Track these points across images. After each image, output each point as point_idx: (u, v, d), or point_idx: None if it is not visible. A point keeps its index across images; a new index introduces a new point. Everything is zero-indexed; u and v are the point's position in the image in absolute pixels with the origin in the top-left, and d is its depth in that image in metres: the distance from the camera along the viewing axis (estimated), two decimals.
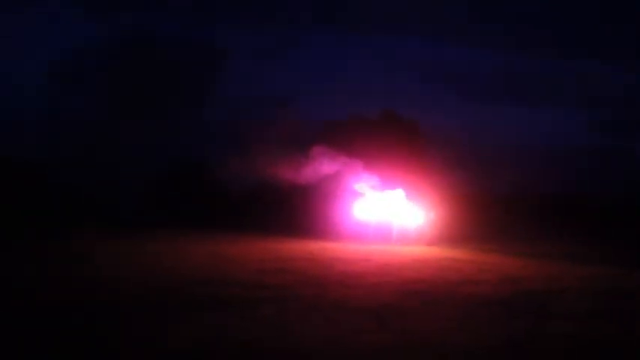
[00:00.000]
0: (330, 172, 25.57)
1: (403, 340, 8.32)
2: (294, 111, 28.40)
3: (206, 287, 11.76)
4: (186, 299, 10.57)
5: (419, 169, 29.59)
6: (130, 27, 31.55)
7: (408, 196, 24.30)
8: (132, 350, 7.52)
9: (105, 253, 16.36)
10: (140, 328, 8.53)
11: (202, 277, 13.06)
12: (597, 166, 45.96)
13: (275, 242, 21.22)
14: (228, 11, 64.60)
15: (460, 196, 32.18)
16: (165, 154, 29.69)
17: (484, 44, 78.83)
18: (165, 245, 18.96)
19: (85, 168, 27.71)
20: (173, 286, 11.76)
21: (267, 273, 13.94)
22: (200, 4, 55.91)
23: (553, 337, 8.81)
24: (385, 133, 30.14)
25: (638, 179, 41.74)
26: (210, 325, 8.81)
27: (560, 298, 11.93)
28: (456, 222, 25.43)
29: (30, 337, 7.85)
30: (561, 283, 13.90)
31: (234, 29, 59.45)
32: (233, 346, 7.79)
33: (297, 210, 27.23)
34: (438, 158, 32.65)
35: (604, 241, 26.46)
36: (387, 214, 23.82)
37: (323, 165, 25.35)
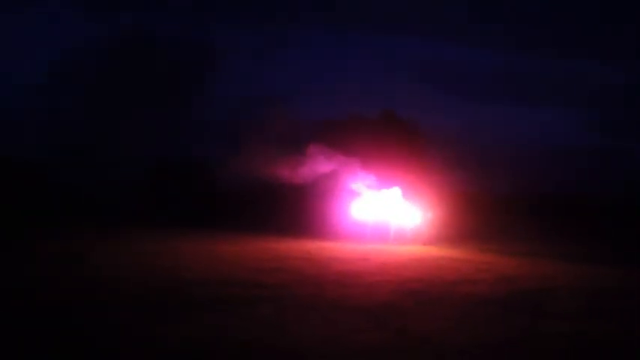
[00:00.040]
0: (327, 170, 25.63)
1: (400, 340, 8.42)
2: (291, 110, 28.45)
3: (205, 287, 11.83)
4: (185, 299, 10.63)
5: (417, 169, 29.67)
6: (128, 27, 31.48)
7: (406, 196, 24.38)
8: (132, 350, 7.59)
9: (105, 253, 16.39)
10: (140, 328, 8.59)
11: (201, 276, 13.11)
12: (596, 166, 46.05)
13: (272, 242, 21.28)
14: (228, 11, 64.60)
15: (458, 196, 32.27)
16: (164, 154, 29.73)
17: (484, 44, 78.90)
18: (164, 245, 18.99)
19: (84, 168, 27.72)
20: (173, 286, 11.81)
21: (265, 272, 14.00)
22: (199, 4, 55.86)
23: (549, 336, 8.91)
24: (383, 132, 30.20)
25: (636, 179, 41.82)
26: (209, 325, 8.89)
27: (556, 298, 12.05)
28: (454, 222, 25.53)
29: (30, 337, 7.90)
30: (557, 283, 14.02)
31: (233, 29, 59.49)
32: (232, 346, 7.87)
33: (295, 209, 27.31)
34: (437, 158, 32.71)
35: (600, 240, 26.57)
36: (384, 213, 23.89)
37: (319, 164, 25.41)
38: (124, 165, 28.43)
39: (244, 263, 15.55)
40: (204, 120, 28.73)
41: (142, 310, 9.69)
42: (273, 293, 11.44)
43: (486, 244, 22.87)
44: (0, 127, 28.32)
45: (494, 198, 39.20)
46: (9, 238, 19.44)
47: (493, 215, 33.06)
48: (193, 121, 29.02)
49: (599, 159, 47.60)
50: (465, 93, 73.25)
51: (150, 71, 29.34)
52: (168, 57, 30.37)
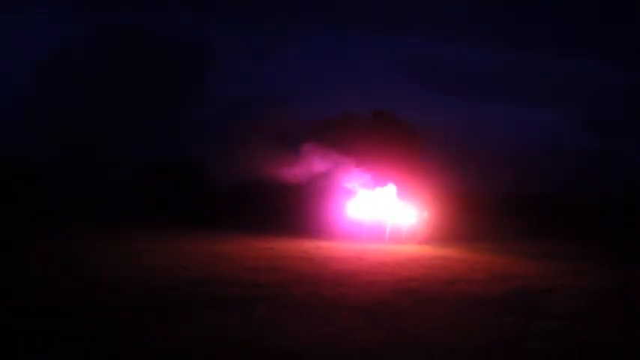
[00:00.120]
0: (323, 169, 25.73)
1: (396, 339, 8.55)
2: (291, 110, 28.56)
3: (205, 287, 11.93)
4: (185, 299, 10.73)
5: (412, 169, 29.82)
6: (128, 27, 31.54)
7: (401, 195, 24.48)
8: (132, 350, 7.69)
9: (105, 253, 16.47)
10: (140, 328, 8.68)
11: (201, 276, 13.20)
12: (595, 166, 46.06)
13: (269, 241, 21.37)
14: (228, 11, 64.59)
15: (454, 196, 32.41)
16: (164, 154, 29.83)
17: (484, 44, 78.94)
18: (164, 245, 19.07)
19: (84, 168, 27.81)
20: (172, 286, 11.89)
21: (263, 272, 14.11)
22: (199, 4, 55.88)
23: (542, 336, 9.03)
24: (379, 132, 30.34)
25: (635, 179, 41.88)
26: (209, 325, 8.99)
27: (550, 297, 12.17)
28: (449, 221, 25.63)
29: (30, 337, 7.98)
30: (551, 282, 14.12)
31: (233, 29, 59.52)
32: (232, 346, 7.97)
33: (291, 209, 27.46)
34: (434, 157, 32.84)
35: (599, 240, 26.65)
36: (380, 213, 24.00)
37: (315, 162, 25.51)
38: (124, 165, 28.51)
39: (243, 263, 15.64)
40: (204, 120, 28.82)
41: (142, 310, 9.77)
42: (272, 292, 11.54)
43: (479, 243, 22.98)
44: (0, 127, 28.39)
45: (493, 198, 39.29)
46: (9, 238, 19.48)
47: (491, 215, 33.16)
48: (193, 121, 29.10)
49: (598, 159, 47.63)
50: (465, 93, 73.31)
51: (150, 71, 29.42)
52: (169, 57, 30.45)
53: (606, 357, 8.27)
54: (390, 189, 24.47)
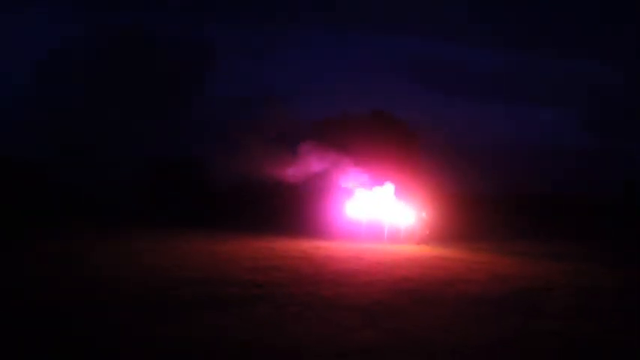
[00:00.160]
0: (321, 169, 25.75)
1: (394, 339, 8.60)
2: (291, 110, 28.58)
3: (204, 286, 11.99)
4: (185, 299, 10.79)
5: (411, 169, 29.87)
6: (128, 27, 31.58)
7: (400, 195, 24.51)
8: (132, 350, 7.74)
9: (105, 253, 16.52)
10: (140, 328, 8.74)
11: (201, 276, 13.26)
12: (595, 166, 46.09)
13: (268, 241, 21.43)
14: (228, 11, 64.63)
15: (453, 196, 32.44)
16: (164, 154, 29.86)
17: (484, 44, 78.98)
18: (164, 245, 19.13)
19: (84, 168, 27.84)
20: (172, 286, 11.95)
21: (262, 272, 14.17)
22: (199, 4, 55.93)
23: (541, 335, 9.08)
24: (378, 132, 30.39)
25: (635, 179, 41.91)
26: (209, 325, 9.05)
27: (549, 297, 12.21)
28: (448, 221, 25.67)
29: (30, 337, 8.03)
30: (551, 282, 14.17)
31: (233, 29, 59.57)
32: (232, 345, 8.03)
33: (290, 209, 27.50)
34: (432, 158, 32.87)
35: (598, 240, 26.66)
36: (378, 213, 24.04)
37: (313, 162, 25.54)
38: (124, 165, 28.53)
39: (242, 263, 15.69)
40: (204, 120, 28.85)
41: (142, 310, 9.83)
42: (271, 292, 11.61)
43: (478, 243, 23.01)
44: (0, 127, 28.42)
45: (492, 198, 39.31)
46: (9, 238, 19.53)
47: (491, 215, 33.19)
48: (193, 121, 29.12)
49: (598, 159, 47.67)
50: (465, 93, 73.40)
51: (150, 71, 29.43)
52: (169, 57, 30.46)
53: (606, 357, 8.31)
54: (388, 188, 24.49)
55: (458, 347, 8.23)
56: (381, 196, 24.42)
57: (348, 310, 10.29)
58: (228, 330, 8.76)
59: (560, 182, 42.36)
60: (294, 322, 9.33)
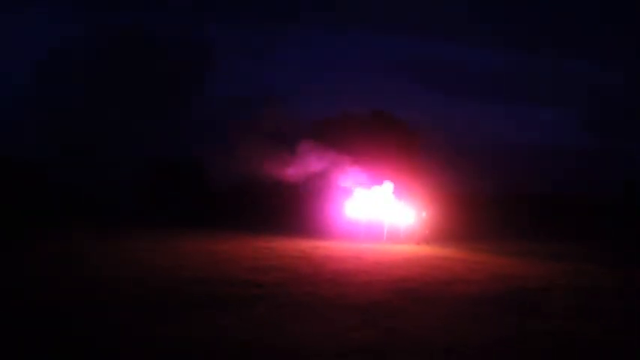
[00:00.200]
0: (319, 168, 25.77)
1: (393, 338, 8.62)
2: (290, 110, 28.60)
3: (204, 286, 12.00)
4: (185, 299, 10.81)
5: (411, 169, 29.88)
6: (128, 27, 31.59)
7: (399, 195, 24.52)
8: (132, 350, 7.75)
9: (105, 253, 16.53)
10: (140, 328, 8.75)
11: (200, 276, 13.28)
12: (595, 166, 46.09)
13: (268, 241, 21.46)
14: (228, 11, 64.64)
15: (453, 196, 32.42)
16: (164, 154, 29.88)
17: (484, 44, 79.02)
18: (164, 245, 19.14)
19: (84, 168, 27.86)
20: (172, 286, 11.98)
21: (261, 271, 14.19)
22: (199, 4, 55.90)
23: (539, 335, 9.09)
24: (378, 132, 30.41)
25: (635, 179, 41.91)
26: (209, 324, 9.06)
27: (547, 297, 12.22)
28: (447, 221, 25.69)
29: (30, 337, 8.04)
30: (550, 282, 14.18)
31: (233, 29, 59.60)
32: (232, 345, 8.04)
33: (290, 208, 27.53)
34: (432, 157, 32.89)
35: (598, 240, 26.69)
36: (377, 212, 24.06)
37: (311, 161, 25.55)
38: (124, 165, 28.55)
39: (242, 262, 15.72)
40: (204, 120, 28.86)
41: (142, 310, 9.84)
42: (270, 292, 11.63)
43: (478, 243, 23.04)
44: (0, 127, 28.44)
45: (492, 198, 39.29)
46: (9, 238, 19.54)
47: (490, 215, 33.20)
48: (193, 121, 29.13)
49: (598, 159, 47.67)
50: (465, 93, 73.40)
51: (150, 71, 29.44)
52: (169, 57, 30.47)
53: (606, 357, 8.32)
54: (387, 187, 24.49)
55: (456, 347, 8.25)
56: (380, 196, 24.43)
57: (348, 310, 10.31)
58: (228, 330, 8.77)
59: (560, 182, 42.34)
60: (294, 322, 9.34)
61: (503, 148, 45.03)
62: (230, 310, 9.99)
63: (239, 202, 29.85)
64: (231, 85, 34.18)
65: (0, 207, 25.91)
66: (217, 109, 28.84)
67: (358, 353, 7.86)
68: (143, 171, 29.72)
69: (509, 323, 9.74)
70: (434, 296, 11.88)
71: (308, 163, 25.57)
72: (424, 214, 23.21)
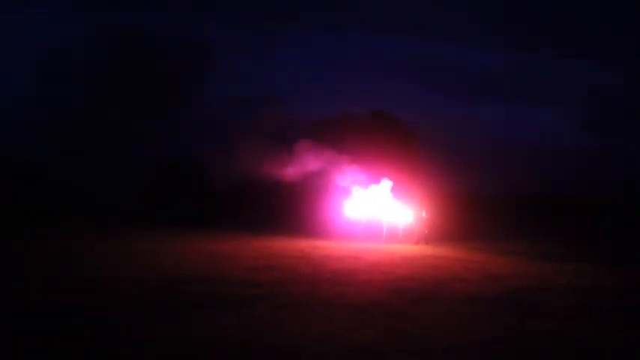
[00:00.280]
0: (317, 168, 25.76)
1: (392, 337, 8.64)
2: (290, 110, 28.61)
3: (204, 286, 12.03)
4: (185, 299, 10.83)
5: (410, 169, 29.91)
6: (128, 27, 31.61)
7: (398, 195, 24.54)
8: (132, 350, 7.77)
9: (105, 253, 16.54)
10: (140, 328, 8.77)
11: (200, 276, 13.30)
12: (595, 166, 46.13)
13: (267, 240, 21.51)
14: (228, 11, 64.68)
15: (452, 196, 32.47)
16: (164, 154, 29.90)
17: (484, 44, 79.10)
18: (164, 245, 19.15)
19: (84, 168, 27.87)
20: (172, 286, 12.00)
21: (261, 271, 14.22)
22: (199, 4, 55.95)
23: (540, 335, 9.11)
24: (378, 132, 30.43)
25: (635, 179, 41.94)
26: (209, 324, 9.08)
27: (544, 297, 12.25)
28: (446, 221, 25.71)
29: (29, 337, 8.06)
30: (547, 282, 14.20)
31: (233, 29, 59.65)
32: (232, 345, 8.07)
33: (288, 208, 27.55)
34: (431, 157, 32.92)
35: (598, 240, 26.69)
36: (376, 212, 24.08)
37: (309, 160, 25.55)
38: (124, 165, 28.56)
39: (241, 262, 15.74)
40: (204, 120, 28.87)
41: (142, 310, 9.86)
42: (270, 292, 11.65)
43: (479, 243, 23.07)
44: (0, 127, 28.45)
45: (492, 197, 39.33)
46: (9, 238, 19.56)
47: (490, 215, 33.23)
48: (193, 121, 29.14)
49: (598, 159, 47.72)
50: (465, 93, 73.51)
51: (150, 71, 29.44)
52: (169, 57, 30.46)
53: (606, 357, 8.33)
54: (385, 185, 24.49)
55: (455, 346, 8.27)
56: (379, 194, 24.44)
57: (347, 310, 10.33)
58: (227, 329, 8.79)
59: (560, 182, 42.38)
60: (293, 322, 9.36)
61: (503, 148, 45.08)
62: (230, 310, 10.02)
63: (239, 202, 29.87)
64: (231, 85, 34.24)
65: (0, 207, 25.91)
66: (217, 109, 28.82)
67: (357, 353, 7.88)
68: (143, 171, 29.72)
69: (508, 323, 9.76)
70: (433, 296, 11.90)
71: (306, 163, 25.57)
72: (424, 214, 23.21)
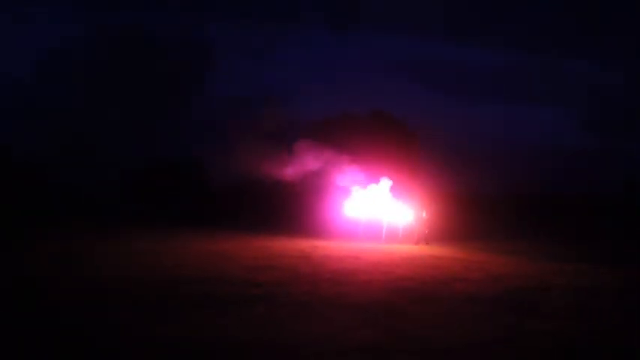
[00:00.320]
0: (317, 167, 25.78)
1: (392, 337, 8.65)
2: (290, 110, 28.62)
3: (204, 286, 12.02)
4: (185, 299, 10.82)
5: (410, 168, 29.92)
6: (128, 27, 31.60)
7: (398, 194, 24.54)
8: (132, 350, 7.77)
9: (105, 253, 16.54)
10: (140, 328, 8.77)
11: (200, 276, 13.28)
12: (595, 166, 46.16)
13: (267, 240, 21.50)
14: (228, 11, 64.69)
15: (452, 195, 32.47)
16: (164, 154, 29.90)
17: (484, 44, 79.15)
18: (164, 245, 19.14)
19: (84, 168, 27.86)
20: (172, 286, 11.99)
21: (261, 271, 14.22)
22: (199, 4, 55.93)
23: (540, 335, 9.11)
24: (377, 132, 30.45)
25: (635, 179, 41.95)
26: (209, 324, 9.08)
27: (544, 297, 12.26)
28: (446, 221, 25.72)
29: (30, 337, 8.06)
30: (547, 282, 14.20)
31: (233, 29, 59.65)
32: (232, 345, 8.06)
33: (288, 208, 27.56)
34: (431, 157, 32.94)
35: (598, 240, 26.70)
36: (376, 212, 24.08)
37: (308, 160, 25.56)
38: (124, 165, 28.56)
39: (241, 262, 15.73)
40: (204, 120, 28.87)
41: (142, 310, 9.86)
42: (270, 292, 11.65)
43: (479, 243, 23.08)
44: (0, 127, 28.44)
45: (492, 198, 39.35)
46: (9, 238, 19.55)
47: (490, 215, 33.23)
48: (193, 121, 29.14)
49: (598, 159, 47.77)
50: (465, 93, 73.56)
51: (150, 71, 29.44)
52: (169, 57, 30.46)
53: (606, 357, 8.34)
54: (385, 185, 24.48)
55: (455, 346, 8.27)
56: (378, 194, 24.45)
57: (347, 309, 10.34)
58: (227, 329, 8.79)
59: (560, 182, 42.40)
60: (294, 321, 9.37)
61: (503, 148, 45.10)
62: (230, 310, 10.01)
63: (239, 202, 29.88)
64: (231, 85, 34.19)
65: (0, 207, 25.90)
66: (217, 109, 28.82)
67: (357, 352, 7.89)
68: (143, 171, 29.72)
69: (508, 323, 9.76)
70: (433, 296, 11.90)
71: (306, 163, 25.58)
72: (424, 214, 23.21)
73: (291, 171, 25.92)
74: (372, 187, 24.64)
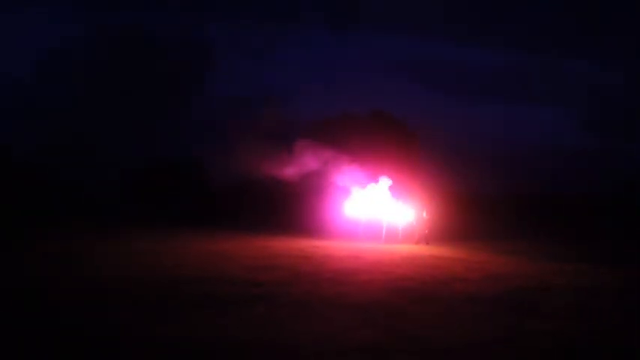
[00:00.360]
0: (317, 167, 25.77)
1: (392, 337, 8.65)
2: (290, 110, 28.63)
3: (204, 286, 12.02)
4: (185, 298, 10.83)
5: (410, 168, 29.92)
6: (128, 27, 31.60)
7: (398, 194, 24.54)
8: (132, 350, 7.78)
9: (105, 253, 16.54)
10: (140, 328, 8.77)
11: (200, 275, 13.29)
12: (595, 166, 46.16)
13: (267, 240, 21.50)
14: (228, 11, 64.69)
15: (452, 195, 32.48)
16: (164, 154, 29.91)
17: (484, 44, 79.18)
18: (164, 245, 19.14)
19: (84, 168, 27.87)
20: (172, 286, 11.99)
21: (261, 271, 14.22)
22: (199, 4, 55.92)
23: (540, 335, 9.11)
24: (377, 132, 30.46)
25: (636, 179, 41.96)
26: (209, 324, 9.08)
27: (544, 296, 12.25)
28: (446, 221, 25.72)
29: (30, 337, 8.06)
30: (547, 282, 14.20)
31: (233, 29, 59.63)
32: (232, 345, 8.07)
33: (288, 208, 27.56)
34: (430, 157, 32.95)
35: (598, 240, 26.70)
36: (376, 212, 24.08)
37: (308, 160, 25.56)
38: (124, 165, 28.56)
39: (241, 262, 15.73)
40: (204, 120, 28.87)
41: (142, 310, 9.86)
42: (270, 291, 11.65)
43: (479, 243, 23.08)
44: (0, 127, 28.45)
45: (492, 197, 39.35)
46: (9, 238, 19.56)
47: (490, 215, 33.23)
48: (193, 121, 29.13)
49: (598, 159, 47.78)
50: (465, 93, 73.57)
51: (150, 71, 29.44)
52: (169, 57, 30.46)
53: (606, 357, 8.34)
54: (384, 184, 24.47)
55: (455, 346, 8.28)
56: (378, 194, 24.44)
57: (347, 309, 10.34)
58: (228, 329, 8.80)
59: (560, 182, 42.41)
60: (294, 321, 9.37)
61: (503, 147, 45.11)
62: (230, 310, 10.01)
63: (239, 202, 29.87)
64: (231, 85, 34.20)
65: (0, 207, 25.90)
66: (217, 109, 28.82)
67: (357, 352, 7.89)
68: (143, 171, 29.73)
69: (508, 323, 9.76)
70: (433, 296, 11.90)
71: (306, 163, 25.58)
72: (424, 214, 23.20)
73: (291, 171, 25.91)
74: (372, 187, 24.62)
